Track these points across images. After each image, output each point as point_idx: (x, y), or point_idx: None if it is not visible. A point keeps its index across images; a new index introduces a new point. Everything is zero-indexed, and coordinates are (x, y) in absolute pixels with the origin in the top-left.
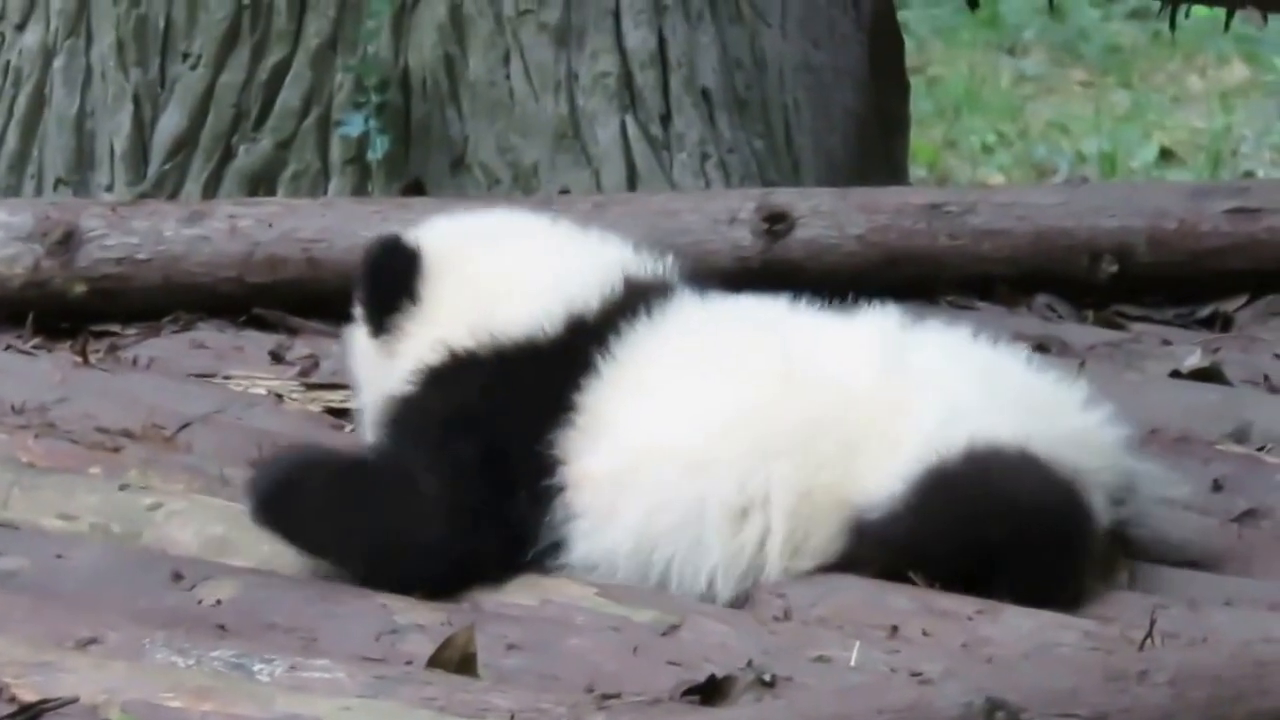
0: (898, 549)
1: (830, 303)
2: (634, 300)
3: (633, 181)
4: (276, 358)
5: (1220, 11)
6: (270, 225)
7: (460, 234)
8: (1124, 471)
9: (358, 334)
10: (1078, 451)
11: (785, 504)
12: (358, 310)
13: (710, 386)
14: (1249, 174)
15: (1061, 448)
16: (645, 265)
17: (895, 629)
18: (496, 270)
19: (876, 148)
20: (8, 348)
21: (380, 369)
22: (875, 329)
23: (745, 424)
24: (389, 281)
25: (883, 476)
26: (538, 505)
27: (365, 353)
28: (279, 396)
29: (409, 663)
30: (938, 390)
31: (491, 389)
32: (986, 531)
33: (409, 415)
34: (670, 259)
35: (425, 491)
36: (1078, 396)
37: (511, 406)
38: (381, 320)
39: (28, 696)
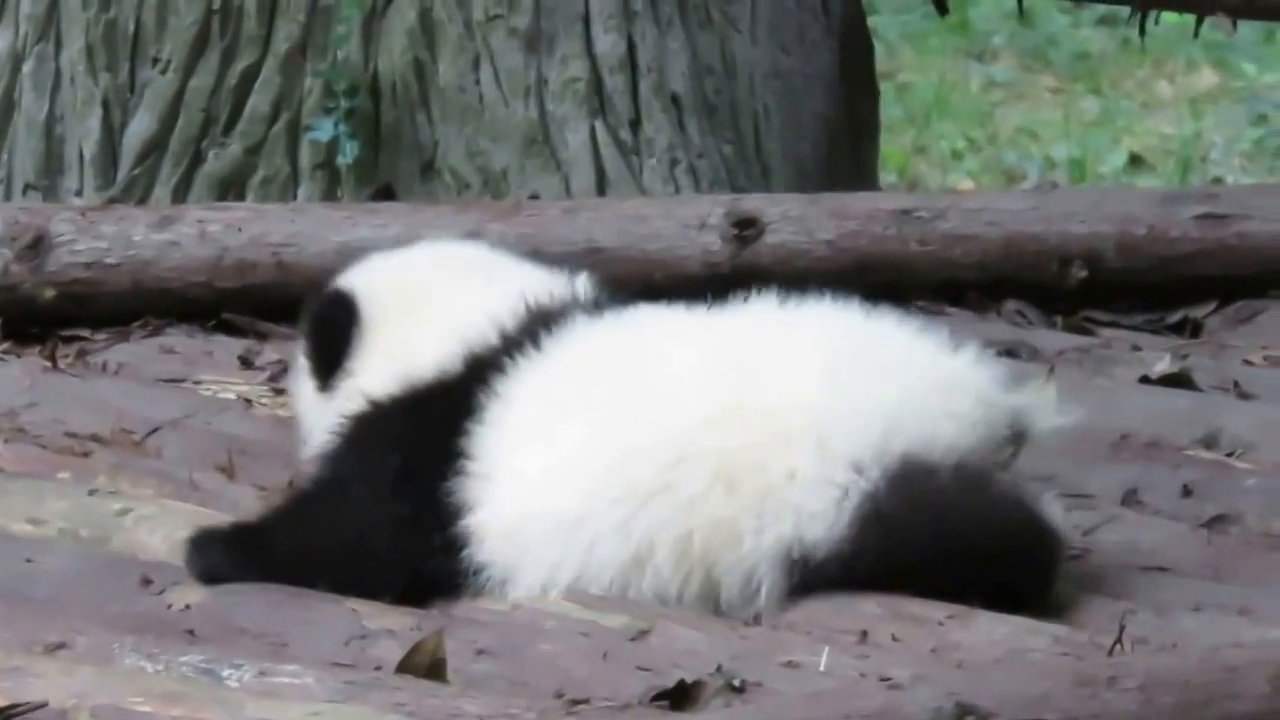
0: (859, 582)
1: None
2: (524, 336)
3: (602, 187)
4: (246, 363)
5: (1190, 18)
6: (240, 230)
7: (388, 277)
8: (1009, 410)
9: (304, 383)
10: (951, 411)
11: (668, 549)
12: (304, 362)
13: (586, 428)
14: (1218, 180)
15: (937, 422)
16: (558, 291)
17: (865, 634)
18: (417, 314)
19: (846, 153)
20: None
21: (324, 412)
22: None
23: (619, 468)
24: (336, 337)
25: (801, 510)
26: (450, 553)
27: (311, 399)
28: (248, 401)
29: (378, 668)
30: (811, 410)
31: (404, 436)
32: (956, 565)
33: (337, 456)
34: (586, 279)
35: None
36: (937, 346)
37: (420, 454)
38: (326, 373)
39: None
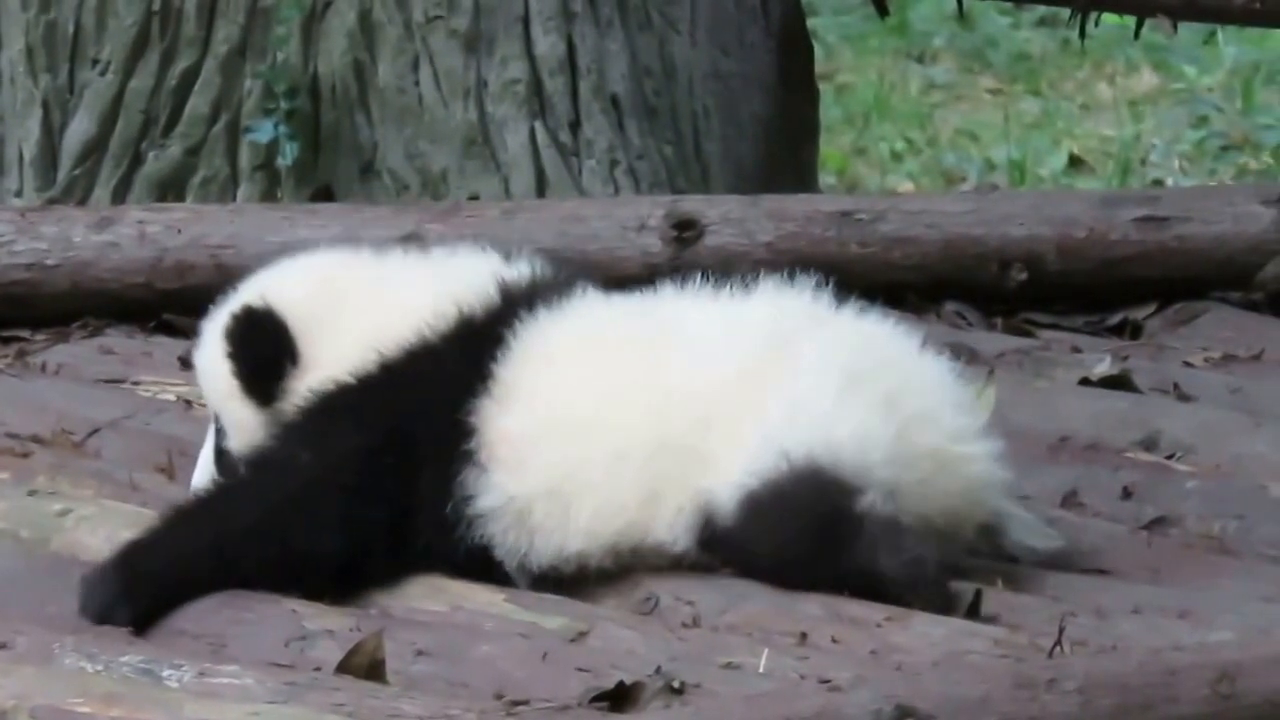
0: (740, 564)
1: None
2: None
3: (542, 188)
4: (185, 364)
5: (1130, 19)
6: (179, 231)
7: (313, 282)
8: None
9: (238, 404)
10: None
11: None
12: (234, 384)
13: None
14: (1158, 182)
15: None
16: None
17: (804, 636)
18: (370, 301)
19: (786, 155)
20: None
21: (265, 423)
22: (764, 314)
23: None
24: (266, 353)
25: (730, 477)
26: (446, 475)
27: (250, 416)
28: (188, 403)
29: (318, 669)
30: (789, 390)
31: (388, 389)
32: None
33: (301, 424)
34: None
35: (307, 491)
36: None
37: (415, 396)
38: (268, 390)
39: None
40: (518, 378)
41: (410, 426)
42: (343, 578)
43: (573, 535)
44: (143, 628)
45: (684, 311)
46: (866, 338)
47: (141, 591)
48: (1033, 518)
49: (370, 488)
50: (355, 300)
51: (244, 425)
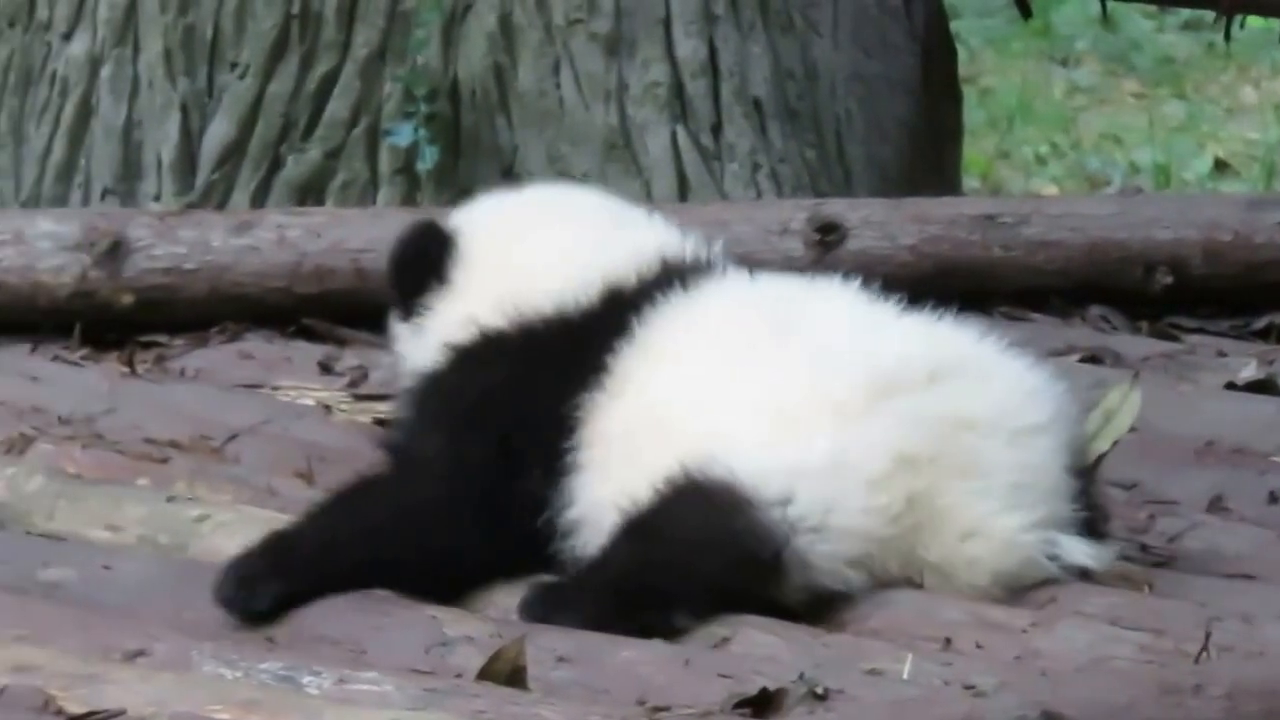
0: None
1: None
2: (668, 276)
3: (683, 192)
4: (325, 368)
5: (1275, 22)
6: (319, 235)
7: (498, 214)
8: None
9: (391, 311)
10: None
11: None
12: (390, 293)
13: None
14: None
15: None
16: (685, 246)
17: (948, 641)
18: (530, 249)
19: (928, 158)
20: (55, 358)
21: (412, 348)
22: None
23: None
24: (415, 264)
25: None
26: (552, 474)
27: (399, 334)
28: (327, 408)
29: (458, 675)
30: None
31: (519, 363)
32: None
33: (431, 392)
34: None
35: (428, 485)
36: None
37: (538, 378)
38: (408, 302)
39: (74, 709)
40: (629, 371)
41: (520, 423)
42: (481, 578)
43: None
44: (279, 613)
45: (818, 319)
46: (970, 407)
47: (287, 575)
48: (1078, 541)
49: (494, 485)
50: (520, 247)
51: (396, 335)
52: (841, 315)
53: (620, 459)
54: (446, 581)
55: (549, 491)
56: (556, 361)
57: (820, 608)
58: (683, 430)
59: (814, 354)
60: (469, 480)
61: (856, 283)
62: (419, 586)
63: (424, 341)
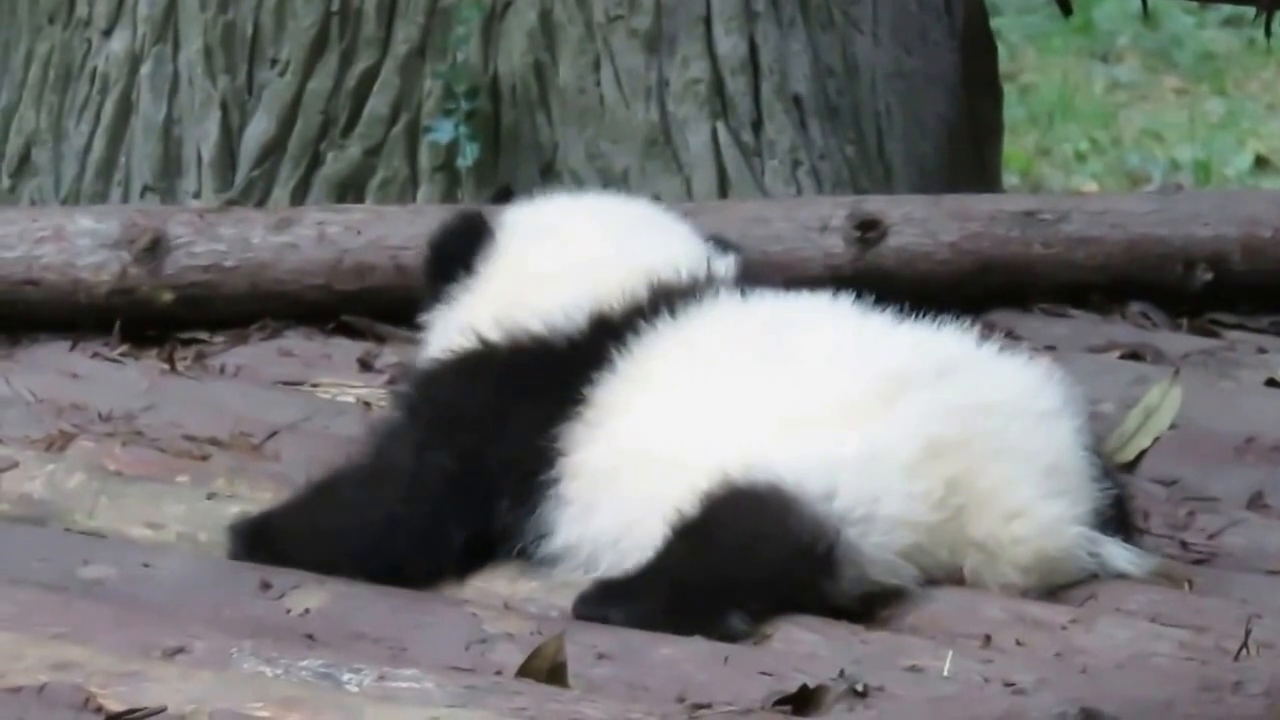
0: None
1: (919, 310)
2: (660, 301)
3: (724, 188)
4: (365, 365)
5: None
6: (359, 232)
7: (530, 218)
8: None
9: (424, 292)
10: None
11: None
12: (422, 276)
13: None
14: None
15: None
16: (702, 262)
17: (988, 638)
18: (544, 258)
19: (969, 155)
20: (95, 355)
21: (432, 338)
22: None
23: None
24: (447, 250)
25: None
26: (528, 497)
27: (426, 322)
28: (367, 404)
29: (498, 672)
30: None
31: (503, 382)
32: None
33: (412, 394)
34: (732, 258)
35: (399, 477)
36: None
37: (521, 400)
38: (434, 287)
39: (114, 707)
40: (610, 400)
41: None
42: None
43: None
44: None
45: (807, 340)
46: (986, 396)
47: (258, 557)
48: (1120, 546)
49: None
50: (534, 257)
51: (424, 322)
52: (838, 326)
53: (609, 493)
54: (408, 581)
55: (521, 521)
56: (536, 386)
57: (863, 605)
58: (691, 460)
59: (818, 364)
60: (427, 494)
61: (850, 298)
62: (385, 581)
63: (440, 333)
